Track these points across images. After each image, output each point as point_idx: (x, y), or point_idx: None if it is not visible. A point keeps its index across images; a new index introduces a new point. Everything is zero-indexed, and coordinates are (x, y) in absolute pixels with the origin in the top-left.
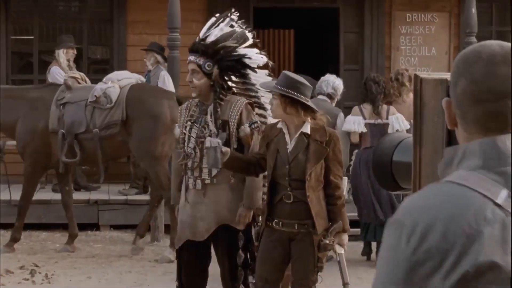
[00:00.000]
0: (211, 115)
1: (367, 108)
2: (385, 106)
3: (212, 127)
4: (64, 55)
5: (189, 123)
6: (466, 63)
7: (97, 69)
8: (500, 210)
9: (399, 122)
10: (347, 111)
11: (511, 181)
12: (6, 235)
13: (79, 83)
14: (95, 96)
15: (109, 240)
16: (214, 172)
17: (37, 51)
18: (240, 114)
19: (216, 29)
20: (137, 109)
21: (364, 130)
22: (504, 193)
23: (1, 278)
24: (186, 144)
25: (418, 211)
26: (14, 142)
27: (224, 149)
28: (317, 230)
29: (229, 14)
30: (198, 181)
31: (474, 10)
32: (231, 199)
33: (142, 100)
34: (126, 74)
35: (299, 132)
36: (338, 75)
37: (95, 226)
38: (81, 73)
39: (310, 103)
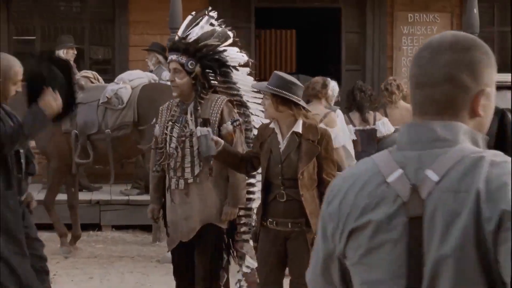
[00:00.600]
0: (191, 114)
1: (355, 115)
2: (371, 113)
3: (192, 126)
4: (64, 56)
5: (170, 123)
6: (419, 50)
7: (99, 70)
8: (386, 187)
9: (384, 126)
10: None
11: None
12: None
13: (92, 82)
14: (107, 97)
15: (111, 240)
16: (197, 171)
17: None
18: (221, 112)
19: (196, 28)
20: (148, 109)
21: (355, 137)
22: (397, 173)
23: None
24: (168, 144)
25: (336, 180)
26: None
27: (216, 138)
28: (312, 228)
29: (207, 12)
30: (181, 181)
31: (476, 10)
32: (215, 197)
33: (153, 100)
34: (138, 74)
35: (290, 132)
36: (339, 75)
37: (97, 227)
38: (94, 72)
39: (301, 102)
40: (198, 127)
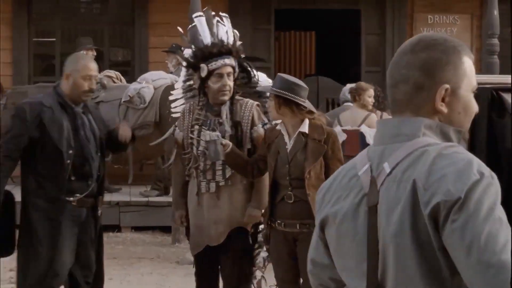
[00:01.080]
0: (226, 116)
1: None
2: (379, 112)
3: (227, 127)
4: None
5: (196, 126)
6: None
7: (119, 71)
8: (356, 180)
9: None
10: None
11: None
12: None
13: (114, 82)
14: (129, 96)
15: (130, 241)
16: (228, 173)
17: (59, 53)
18: (253, 116)
19: (225, 30)
20: (171, 110)
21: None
22: (366, 167)
23: None
24: (195, 147)
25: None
26: None
27: (224, 141)
28: None
29: (219, 14)
30: (212, 184)
31: (496, 12)
32: (244, 201)
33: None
34: (161, 75)
35: (297, 132)
36: (359, 77)
37: (116, 228)
38: (117, 73)
39: (306, 103)
40: (208, 132)
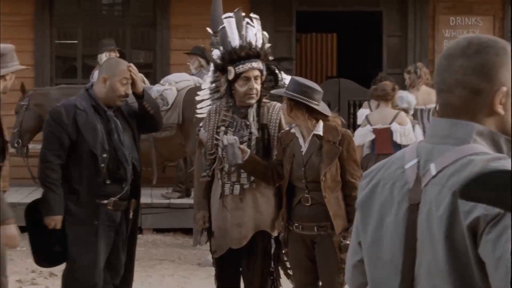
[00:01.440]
0: (253, 118)
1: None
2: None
3: (254, 129)
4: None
5: (222, 128)
6: (439, 58)
7: (140, 73)
8: (401, 172)
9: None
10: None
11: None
12: None
13: None
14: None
15: (151, 243)
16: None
17: (80, 56)
18: (280, 119)
19: (254, 32)
20: (194, 112)
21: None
22: (413, 161)
23: (45, 281)
24: (220, 148)
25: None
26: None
27: (242, 147)
28: (336, 231)
29: (250, 15)
30: (236, 186)
31: None
32: (268, 204)
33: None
34: (184, 77)
35: (311, 134)
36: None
37: (138, 230)
38: (140, 74)
39: (318, 106)
40: (225, 136)
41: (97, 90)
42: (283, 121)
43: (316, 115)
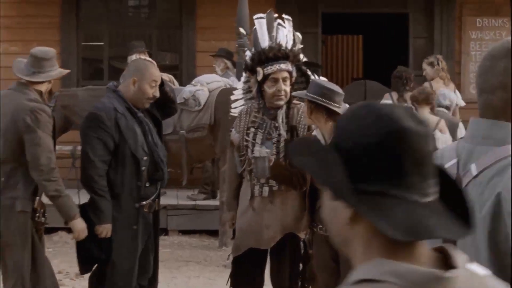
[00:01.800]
0: (282, 120)
1: (394, 94)
2: (409, 93)
3: (283, 131)
4: None
5: (252, 129)
6: (482, 59)
7: (170, 75)
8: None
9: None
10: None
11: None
12: None
13: None
14: (184, 98)
15: (177, 245)
16: None
17: (107, 57)
18: None
19: (285, 33)
20: (226, 114)
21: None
22: (453, 161)
23: (71, 282)
24: (250, 150)
25: None
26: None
27: (272, 157)
28: None
29: (282, 16)
30: (265, 188)
31: None
32: (297, 207)
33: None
34: (215, 78)
35: (331, 138)
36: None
37: (164, 231)
38: (170, 76)
39: (339, 108)
40: (258, 148)
41: (124, 91)
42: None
43: (336, 117)
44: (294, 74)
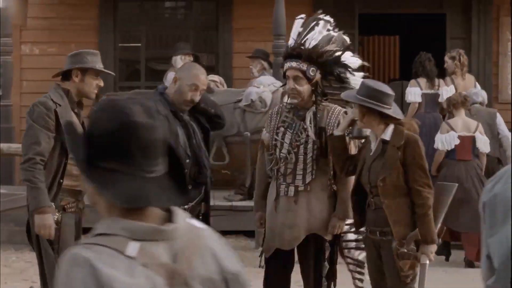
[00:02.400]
0: (310, 121)
1: (422, 80)
2: (436, 80)
3: (311, 133)
4: (182, 61)
5: (281, 128)
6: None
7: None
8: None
9: (447, 92)
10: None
11: None
12: None
13: (217, 87)
14: (251, 99)
15: None
16: (308, 179)
17: (144, 59)
18: (338, 122)
19: (312, 33)
20: None
21: (420, 100)
22: None
23: None
24: (278, 149)
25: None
26: None
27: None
28: (394, 237)
29: (320, 17)
30: (291, 188)
31: None
32: (322, 208)
33: None
34: (272, 79)
35: (379, 139)
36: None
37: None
38: (220, 78)
39: (390, 110)
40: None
41: (170, 92)
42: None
43: (389, 119)
44: (312, 74)
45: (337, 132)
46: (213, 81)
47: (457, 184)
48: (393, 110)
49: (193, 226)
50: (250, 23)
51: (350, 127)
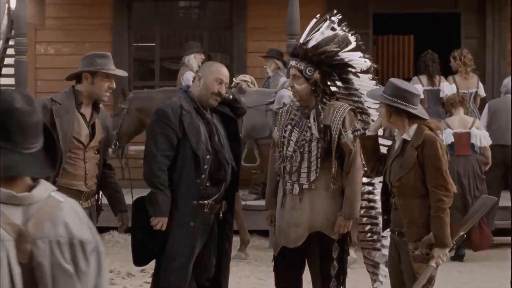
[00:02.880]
0: (313, 119)
1: (424, 78)
2: (437, 77)
3: (314, 131)
4: (195, 60)
5: (289, 126)
6: None
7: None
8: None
9: (448, 88)
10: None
11: None
12: (128, 238)
13: (249, 86)
14: (284, 103)
15: None
16: (313, 177)
17: (158, 58)
18: (343, 120)
19: (317, 33)
20: None
21: (422, 96)
22: None
23: (123, 281)
24: (285, 147)
25: None
26: (136, 147)
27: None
28: (407, 239)
29: (329, 17)
30: (296, 186)
31: None
32: (328, 207)
33: None
34: None
35: (401, 139)
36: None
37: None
38: (251, 77)
39: (417, 111)
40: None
41: (194, 90)
42: (347, 122)
43: (415, 119)
44: (310, 74)
45: (369, 132)
46: (245, 81)
47: (496, 199)
48: (419, 110)
49: (54, 198)
50: (264, 23)
51: (381, 128)
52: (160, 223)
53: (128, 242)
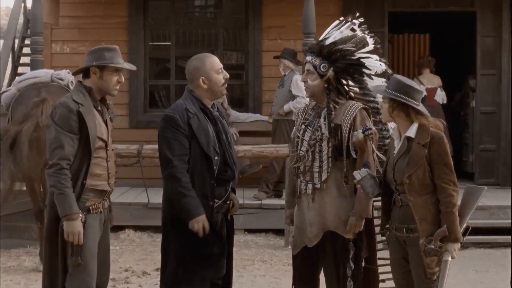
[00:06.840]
0: (324, 118)
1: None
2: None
3: (324, 130)
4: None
5: (303, 126)
6: None
7: (232, 75)
8: None
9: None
10: (483, 116)
11: None
12: (143, 237)
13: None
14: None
15: (243, 244)
16: (324, 176)
17: (174, 57)
18: (354, 119)
19: (336, 32)
20: None
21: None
22: None
23: (138, 280)
24: (299, 147)
25: None
26: (152, 146)
27: (375, 176)
28: (420, 235)
29: (350, 18)
30: (309, 185)
31: None
32: (339, 206)
33: None
34: None
35: (403, 136)
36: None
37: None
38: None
39: (420, 106)
40: (355, 171)
41: (200, 92)
42: (357, 121)
43: (417, 115)
44: (324, 70)
45: (379, 190)
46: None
47: (485, 188)
48: (421, 107)
49: None
50: (280, 22)
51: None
52: (198, 223)
53: (144, 240)
